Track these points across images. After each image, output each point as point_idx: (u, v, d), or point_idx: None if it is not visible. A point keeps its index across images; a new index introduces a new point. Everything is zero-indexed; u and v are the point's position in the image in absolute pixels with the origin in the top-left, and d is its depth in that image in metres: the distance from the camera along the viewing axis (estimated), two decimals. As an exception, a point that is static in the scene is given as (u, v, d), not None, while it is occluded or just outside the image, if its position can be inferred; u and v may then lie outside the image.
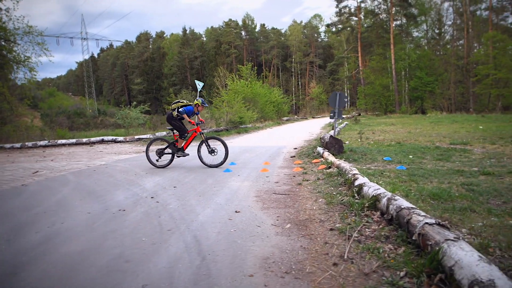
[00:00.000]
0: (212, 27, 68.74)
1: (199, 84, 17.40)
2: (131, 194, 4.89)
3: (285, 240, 2.97)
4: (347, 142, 10.97)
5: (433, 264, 2.07)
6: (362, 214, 3.37)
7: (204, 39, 69.88)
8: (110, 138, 15.46)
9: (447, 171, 5.75)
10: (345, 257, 2.53)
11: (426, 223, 2.37)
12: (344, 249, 2.67)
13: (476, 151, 8.39)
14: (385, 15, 37.27)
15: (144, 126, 23.83)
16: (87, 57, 74.32)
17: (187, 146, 7.25)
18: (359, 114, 35.25)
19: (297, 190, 4.76)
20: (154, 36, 79.87)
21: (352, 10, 39.50)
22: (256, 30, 66.09)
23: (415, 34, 43.68)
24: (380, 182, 4.88)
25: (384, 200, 3.21)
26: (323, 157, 7.03)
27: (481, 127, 15.70)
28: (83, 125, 39.10)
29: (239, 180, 5.58)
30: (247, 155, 8.71)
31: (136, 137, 15.53)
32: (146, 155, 7.30)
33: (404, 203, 2.92)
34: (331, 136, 7.23)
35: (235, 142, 12.40)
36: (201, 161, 7.06)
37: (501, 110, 27.21)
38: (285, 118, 29.11)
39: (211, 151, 6.95)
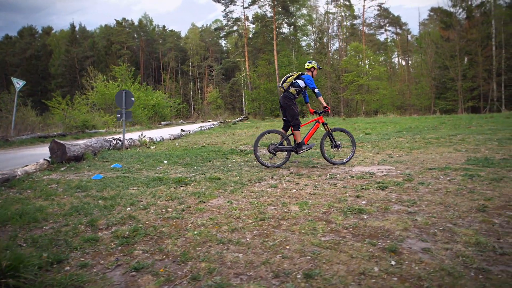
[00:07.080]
0: (105, 25, 63.37)
1: (18, 82, 14.94)
2: None
3: None
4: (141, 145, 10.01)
5: None
6: None
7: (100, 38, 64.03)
8: None
9: (144, 179, 4.98)
10: None
11: None
12: None
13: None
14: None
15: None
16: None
17: (309, 139, 6.02)
18: (247, 118, 35.52)
19: None
20: (40, 31, 70.80)
21: (239, 15, 39.78)
22: (156, 31, 62.94)
23: (307, 41, 46.36)
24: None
25: None
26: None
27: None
28: None
29: None
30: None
31: None
32: (255, 154, 5.91)
33: None
34: (53, 140, 6.00)
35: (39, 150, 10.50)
36: (324, 157, 5.96)
37: (365, 114, 29.84)
38: (164, 123, 27.35)
39: (335, 146, 6.05)
